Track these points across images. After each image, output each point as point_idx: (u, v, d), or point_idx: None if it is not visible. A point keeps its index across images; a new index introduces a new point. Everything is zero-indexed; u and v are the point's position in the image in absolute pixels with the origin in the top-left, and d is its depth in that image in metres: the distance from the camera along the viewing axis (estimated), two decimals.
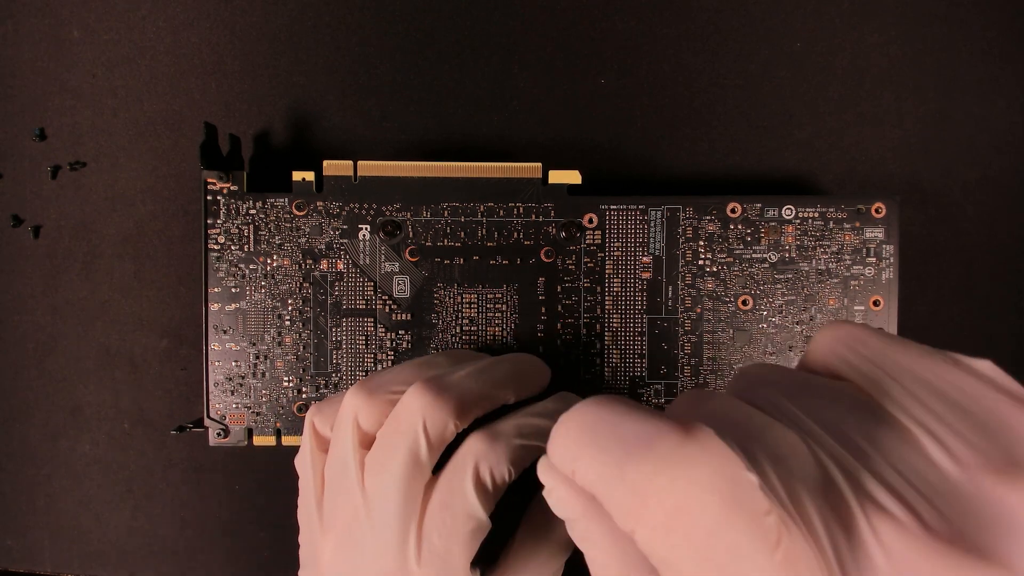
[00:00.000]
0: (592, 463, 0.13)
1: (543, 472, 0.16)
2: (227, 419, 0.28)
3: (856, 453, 0.13)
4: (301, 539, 0.24)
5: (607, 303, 0.28)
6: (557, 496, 0.16)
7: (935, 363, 0.14)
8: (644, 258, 0.28)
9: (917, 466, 0.13)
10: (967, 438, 0.13)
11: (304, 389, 0.28)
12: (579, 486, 0.15)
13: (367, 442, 0.23)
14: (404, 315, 0.28)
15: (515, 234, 0.28)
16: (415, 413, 0.22)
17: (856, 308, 0.28)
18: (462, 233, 0.28)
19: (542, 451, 0.23)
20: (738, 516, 0.12)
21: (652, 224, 0.28)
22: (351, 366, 0.28)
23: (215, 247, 0.28)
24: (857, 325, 0.15)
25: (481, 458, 0.22)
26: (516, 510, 0.24)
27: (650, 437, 0.13)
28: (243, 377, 0.28)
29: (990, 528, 0.12)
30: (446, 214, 0.28)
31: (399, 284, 0.28)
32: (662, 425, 0.13)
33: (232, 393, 0.28)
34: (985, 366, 0.14)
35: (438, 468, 0.22)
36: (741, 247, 0.28)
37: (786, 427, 0.14)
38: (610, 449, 0.13)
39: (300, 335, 0.28)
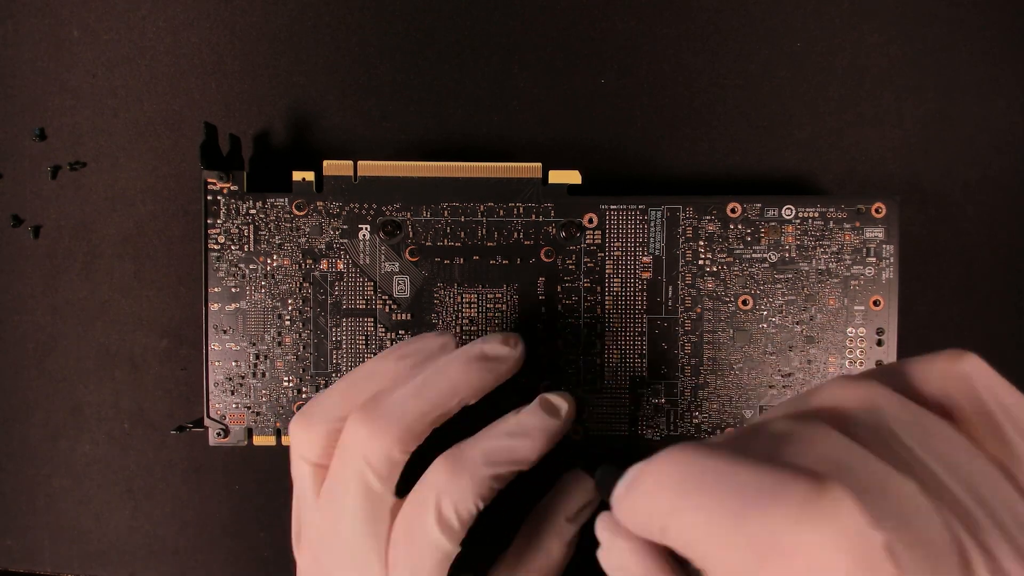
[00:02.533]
0: (699, 516, 0.12)
1: (603, 530, 0.15)
2: (227, 419, 0.28)
3: (983, 515, 0.12)
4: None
5: (607, 303, 0.28)
6: (618, 557, 0.14)
7: None
8: (644, 258, 0.29)
9: None
10: None
11: (304, 389, 0.28)
12: (645, 549, 0.14)
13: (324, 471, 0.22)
14: (404, 315, 0.28)
15: (515, 234, 0.28)
16: (356, 449, 0.21)
17: (856, 308, 0.28)
18: (462, 233, 0.28)
19: (518, 475, 0.22)
20: None
21: (652, 224, 0.28)
22: (351, 366, 0.28)
23: (215, 247, 0.28)
24: (991, 369, 0.14)
25: (443, 493, 0.20)
26: (512, 509, 0.24)
27: (774, 488, 0.11)
28: (243, 377, 0.28)
29: None
30: (446, 214, 0.28)
31: (399, 284, 0.28)
32: (787, 475, 0.11)
33: (232, 393, 0.28)
34: None
35: (408, 487, 0.21)
36: (741, 247, 0.28)
37: (904, 477, 0.12)
38: (725, 501, 0.12)
39: (300, 335, 0.28)
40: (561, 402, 0.23)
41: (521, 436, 0.21)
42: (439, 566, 0.20)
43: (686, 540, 0.12)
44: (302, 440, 0.22)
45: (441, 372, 0.22)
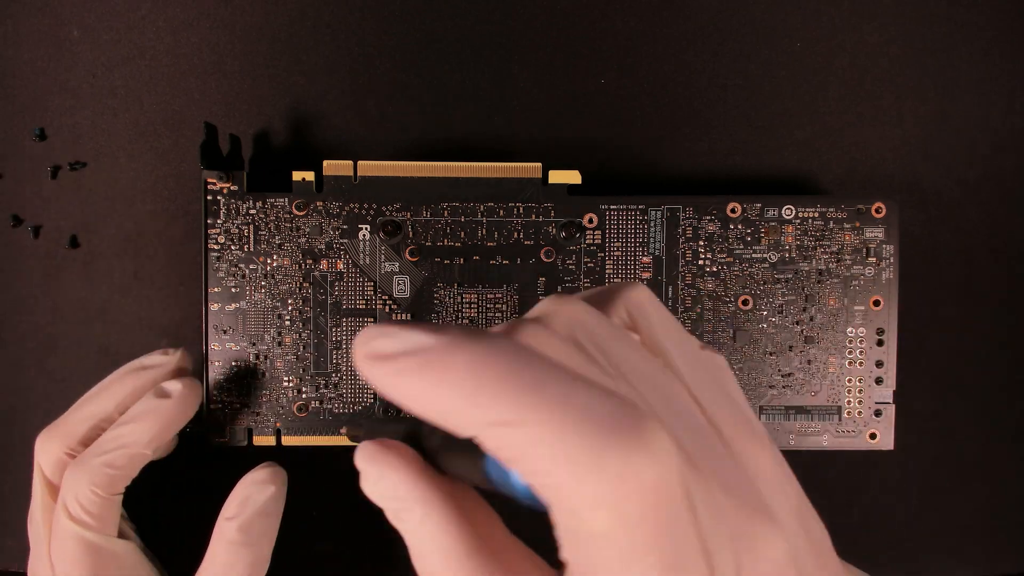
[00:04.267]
0: (545, 437, 0.11)
1: (364, 460, 0.15)
2: (227, 419, 0.28)
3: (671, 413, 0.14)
4: None
5: None
6: (387, 484, 0.14)
7: (694, 342, 0.16)
8: (644, 258, 0.29)
9: (717, 442, 0.14)
10: (721, 413, 0.14)
11: (304, 389, 0.28)
12: (415, 473, 0.14)
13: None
14: (404, 315, 0.28)
15: (515, 234, 0.28)
16: (35, 458, 0.25)
17: (856, 308, 0.28)
18: (462, 233, 0.28)
19: (143, 457, 0.25)
20: (680, 509, 0.11)
21: (652, 224, 0.28)
22: (351, 366, 0.28)
23: (215, 247, 0.28)
24: (650, 292, 0.16)
25: (67, 488, 0.24)
26: None
27: (635, 421, 0.11)
28: (243, 377, 0.28)
29: (756, 486, 0.13)
30: (446, 214, 0.28)
31: (399, 284, 0.28)
32: (629, 405, 0.11)
33: (232, 393, 0.28)
34: (723, 359, 0.16)
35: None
36: (741, 247, 0.28)
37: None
38: (585, 428, 0.11)
39: (300, 335, 0.28)
40: (174, 385, 0.26)
41: (129, 422, 0.25)
42: (79, 551, 0.24)
43: (540, 479, 0.11)
44: (38, 452, 0.26)
45: (104, 383, 0.26)
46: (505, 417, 0.11)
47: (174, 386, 0.25)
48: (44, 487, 0.26)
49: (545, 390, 0.11)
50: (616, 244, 0.28)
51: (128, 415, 0.25)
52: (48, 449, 0.25)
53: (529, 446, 0.11)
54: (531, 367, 0.11)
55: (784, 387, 0.29)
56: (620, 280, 0.28)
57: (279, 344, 0.28)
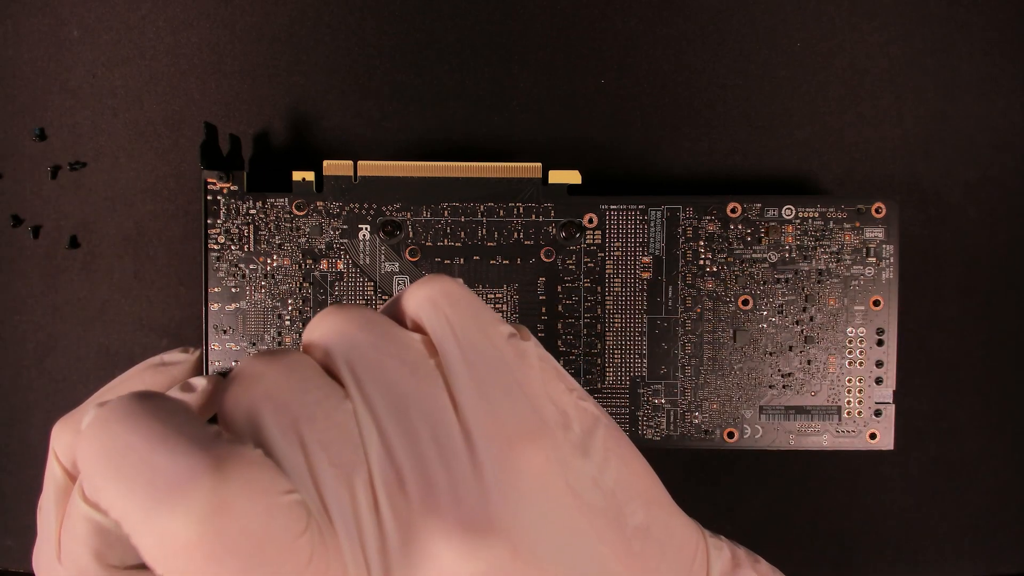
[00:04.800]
0: (116, 501, 0.13)
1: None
2: None
3: (409, 432, 0.14)
4: None
5: (607, 303, 0.28)
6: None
7: (494, 332, 0.16)
8: (644, 258, 0.29)
9: (453, 446, 0.14)
10: (496, 407, 0.14)
11: None
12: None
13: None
14: None
15: (515, 234, 0.28)
16: (51, 445, 0.24)
17: (856, 308, 0.28)
18: (462, 233, 0.28)
19: None
20: (269, 550, 0.12)
21: (652, 224, 0.28)
22: None
23: (215, 247, 0.28)
24: (452, 285, 0.16)
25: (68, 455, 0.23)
26: None
27: (182, 480, 0.12)
28: None
29: (499, 496, 0.14)
30: (446, 214, 0.28)
31: (399, 284, 0.28)
32: (196, 462, 0.12)
33: None
34: (529, 346, 0.16)
35: None
36: (741, 247, 0.28)
37: (342, 405, 0.14)
38: (137, 490, 0.12)
39: (300, 335, 0.28)
40: (199, 380, 0.26)
41: (128, 380, 0.24)
42: (88, 531, 0.23)
43: (115, 517, 0.13)
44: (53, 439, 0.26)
45: (122, 377, 0.25)
46: (93, 484, 0.13)
47: (199, 381, 0.26)
48: (61, 473, 0.25)
49: (128, 456, 0.13)
50: (616, 244, 0.28)
51: (130, 376, 0.25)
52: (64, 438, 0.25)
53: (110, 509, 0.13)
54: (136, 433, 0.13)
55: (784, 387, 0.29)
56: (619, 280, 0.28)
57: (279, 344, 0.28)
